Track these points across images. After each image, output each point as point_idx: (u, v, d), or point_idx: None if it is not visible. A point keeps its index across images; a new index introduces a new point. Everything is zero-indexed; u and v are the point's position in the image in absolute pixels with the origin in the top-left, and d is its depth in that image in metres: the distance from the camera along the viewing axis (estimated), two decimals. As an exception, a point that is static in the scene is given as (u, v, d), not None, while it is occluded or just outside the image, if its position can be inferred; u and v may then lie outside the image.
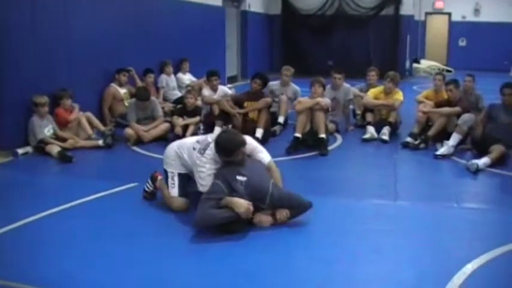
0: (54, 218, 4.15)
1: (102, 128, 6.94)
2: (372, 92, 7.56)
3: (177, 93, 9.14)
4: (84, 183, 5.08)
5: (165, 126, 7.08)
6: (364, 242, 3.73)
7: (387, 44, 15.17)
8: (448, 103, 6.77)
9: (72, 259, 3.39)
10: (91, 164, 6.12)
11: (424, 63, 17.74)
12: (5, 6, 5.92)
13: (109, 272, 3.23)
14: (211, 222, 3.73)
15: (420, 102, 7.43)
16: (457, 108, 6.59)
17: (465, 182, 5.41)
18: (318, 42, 15.72)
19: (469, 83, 7.62)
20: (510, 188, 5.22)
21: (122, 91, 7.92)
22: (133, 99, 7.10)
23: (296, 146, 6.33)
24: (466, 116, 6.32)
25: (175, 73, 9.44)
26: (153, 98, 7.34)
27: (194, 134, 6.69)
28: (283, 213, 3.92)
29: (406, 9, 15.31)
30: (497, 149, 5.75)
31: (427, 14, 19.89)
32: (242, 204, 3.70)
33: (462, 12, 19.40)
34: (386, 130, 7.01)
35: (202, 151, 4.02)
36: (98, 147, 6.50)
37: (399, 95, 7.36)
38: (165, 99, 8.94)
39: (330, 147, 6.50)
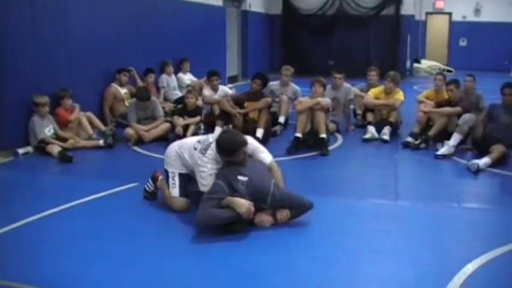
0: (54, 218, 4.14)
1: (102, 128, 6.94)
2: (373, 91, 7.56)
3: (178, 93, 9.14)
4: (85, 183, 5.08)
5: (165, 126, 7.08)
6: (365, 242, 3.73)
7: (388, 44, 15.17)
8: (449, 103, 6.76)
9: (72, 259, 3.39)
10: (91, 164, 6.12)
11: (425, 63, 17.75)
12: (5, 6, 5.92)
13: (109, 272, 3.23)
14: (213, 222, 3.72)
15: (421, 102, 7.42)
16: (458, 108, 6.59)
17: (466, 182, 5.41)
18: (318, 42, 15.73)
19: (469, 83, 7.61)
20: (510, 188, 5.22)
21: (123, 91, 7.92)
22: (134, 99, 7.10)
23: (297, 146, 6.32)
24: (466, 116, 6.31)
25: (175, 73, 9.44)
26: (153, 98, 7.34)
27: (195, 134, 6.69)
28: (283, 214, 3.92)
29: (406, 9, 15.32)
30: (497, 149, 5.74)
31: (427, 13, 19.89)
32: (243, 204, 3.69)
33: (463, 12, 19.39)
34: (386, 130, 7.01)
35: (203, 151, 4.02)
36: (98, 147, 6.50)
37: (400, 95, 7.36)
38: (165, 99, 8.94)
39: (330, 147, 6.50)
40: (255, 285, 3.11)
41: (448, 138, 6.25)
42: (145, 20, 8.83)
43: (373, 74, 8.19)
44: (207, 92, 7.48)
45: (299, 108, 6.49)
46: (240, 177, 3.82)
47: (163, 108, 7.74)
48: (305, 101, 6.58)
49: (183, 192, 4.26)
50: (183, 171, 4.28)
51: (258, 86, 7.17)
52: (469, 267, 3.25)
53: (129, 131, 6.80)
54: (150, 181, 4.54)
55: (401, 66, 14.97)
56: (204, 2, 11.21)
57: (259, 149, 4.19)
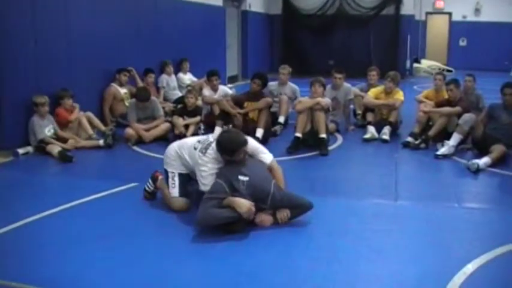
0: (54, 218, 4.14)
1: (102, 128, 6.94)
2: (373, 91, 7.56)
3: (178, 93, 9.15)
4: (85, 183, 5.08)
5: (165, 126, 7.08)
6: (365, 242, 3.72)
7: (388, 44, 15.19)
8: (449, 103, 6.76)
9: (72, 259, 3.39)
10: (91, 164, 6.12)
11: (425, 63, 17.76)
12: (5, 6, 5.92)
13: (109, 272, 3.23)
14: (213, 221, 3.72)
15: (420, 102, 7.43)
16: (458, 108, 6.58)
17: (466, 181, 5.40)
18: (318, 42, 15.74)
19: (469, 82, 7.60)
20: (510, 188, 5.21)
21: (123, 91, 7.92)
22: (134, 99, 7.10)
23: (296, 146, 6.32)
24: (466, 116, 6.31)
25: (175, 73, 9.45)
26: (153, 98, 7.34)
27: (195, 134, 6.69)
28: (284, 213, 3.92)
29: (406, 9, 15.33)
30: (497, 149, 5.75)
31: (427, 13, 19.89)
32: (244, 204, 3.69)
33: (462, 12, 19.40)
34: (386, 130, 7.01)
35: (204, 150, 4.02)
36: (98, 147, 6.50)
37: (400, 95, 7.36)
38: (165, 99, 8.95)
39: (330, 147, 6.50)
40: (255, 285, 3.11)
41: (448, 138, 6.25)
42: (145, 20, 8.83)
43: (373, 74, 8.19)
44: (206, 92, 7.48)
45: (299, 108, 6.48)
46: (241, 177, 3.82)
47: (163, 108, 7.74)
48: (305, 101, 6.58)
49: (183, 192, 4.26)
50: (183, 171, 4.28)
51: (258, 86, 7.16)
52: (469, 267, 3.25)
53: (129, 131, 6.80)
54: (150, 181, 4.54)
55: (401, 66, 14.98)
56: (204, 2, 11.22)
57: (259, 149, 4.19)
